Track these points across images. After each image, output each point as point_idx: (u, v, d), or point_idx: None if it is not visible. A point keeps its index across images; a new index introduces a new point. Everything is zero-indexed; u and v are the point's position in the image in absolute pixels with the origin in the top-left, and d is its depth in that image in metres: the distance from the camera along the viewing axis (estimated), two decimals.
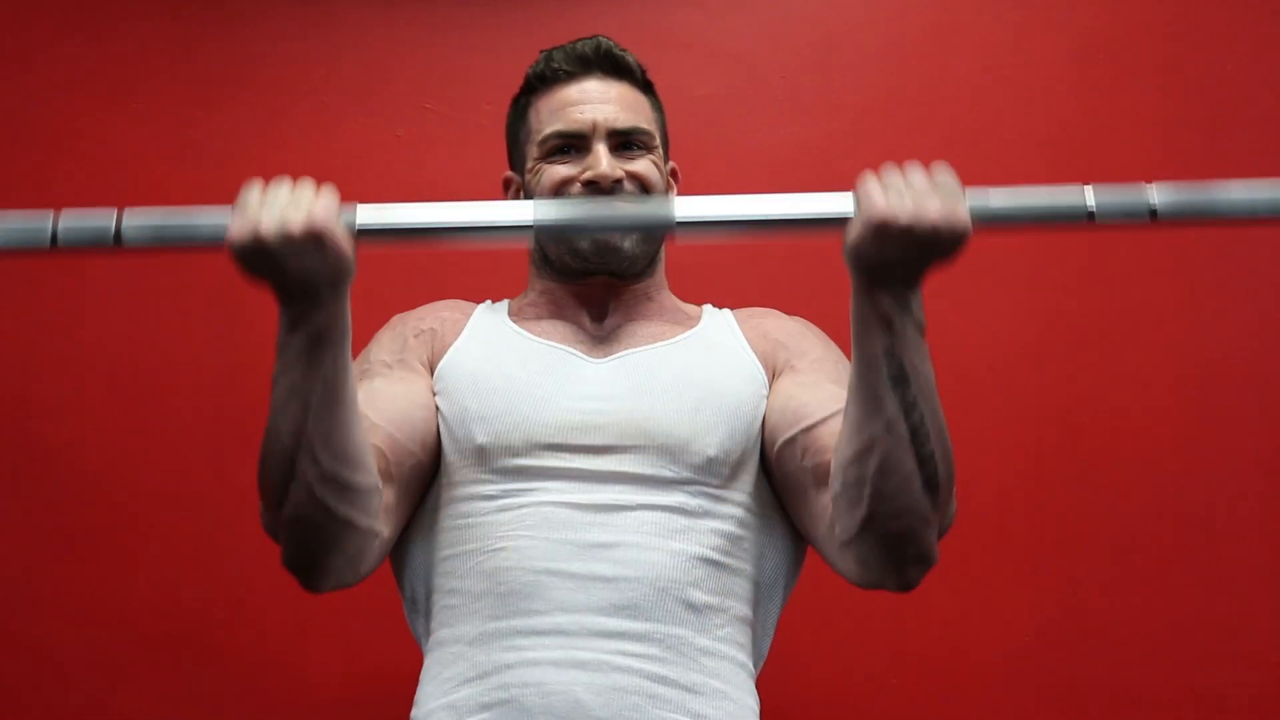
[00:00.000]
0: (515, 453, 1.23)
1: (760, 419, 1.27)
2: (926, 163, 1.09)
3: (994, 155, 1.97)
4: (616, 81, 1.35)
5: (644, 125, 1.35)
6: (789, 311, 1.42)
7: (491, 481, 1.23)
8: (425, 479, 1.27)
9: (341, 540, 1.14)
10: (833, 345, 1.35)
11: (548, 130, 1.33)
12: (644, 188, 1.33)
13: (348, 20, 2.10)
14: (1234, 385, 1.95)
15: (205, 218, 1.09)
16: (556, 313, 1.36)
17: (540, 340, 1.32)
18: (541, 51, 1.38)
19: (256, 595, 1.94)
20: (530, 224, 1.13)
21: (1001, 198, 1.08)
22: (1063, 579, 1.92)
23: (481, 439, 1.23)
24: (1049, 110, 2.01)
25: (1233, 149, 1.99)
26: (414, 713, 1.23)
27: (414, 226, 1.11)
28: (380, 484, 1.17)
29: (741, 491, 1.25)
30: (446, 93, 2.08)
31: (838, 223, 1.08)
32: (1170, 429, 1.94)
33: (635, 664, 1.17)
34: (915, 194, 1.04)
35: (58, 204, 1.90)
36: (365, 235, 1.10)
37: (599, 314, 1.36)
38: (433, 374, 1.31)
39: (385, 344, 1.33)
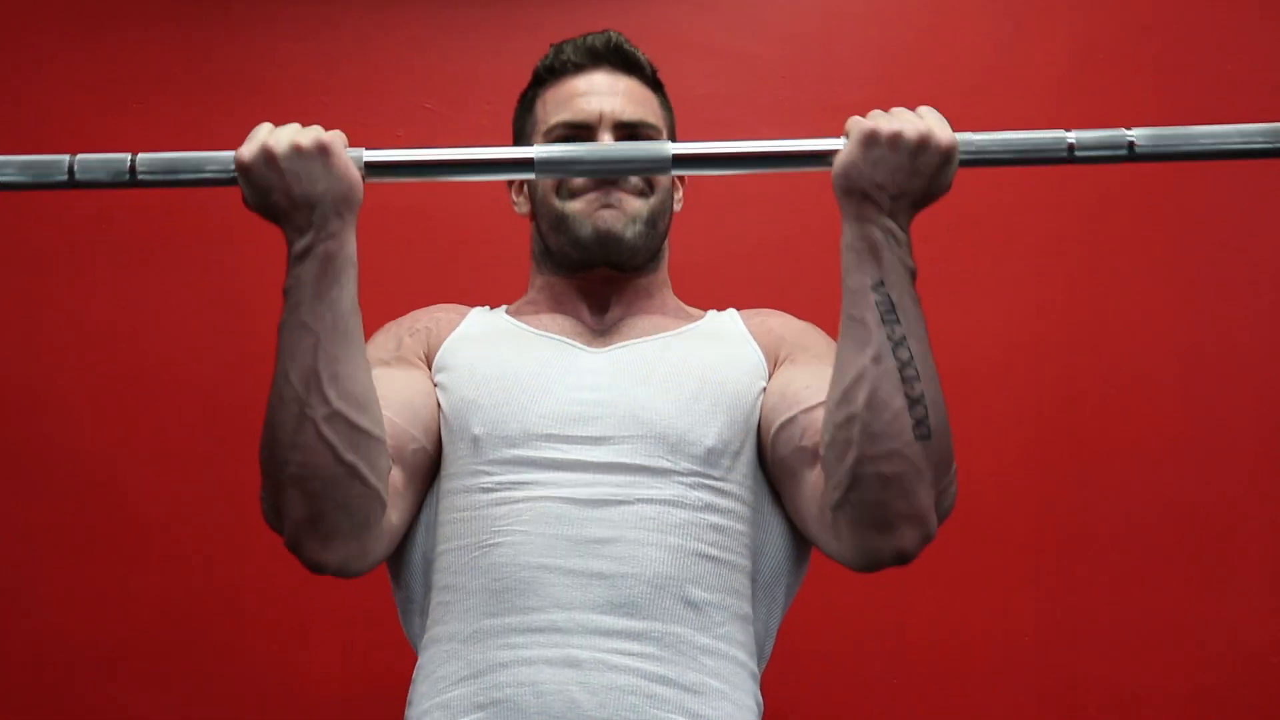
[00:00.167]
0: (512, 443, 1.21)
1: (759, 411, 1.25)
2: None
3: None
4: (625, 76, 1.34)
5: (651, 120, 1.34)
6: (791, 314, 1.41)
7: (488, 473, 1.21)
8: (430, 469, 1.25)
9: (349, 494, 1.11)
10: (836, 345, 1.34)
11: (554, 120, 1.32)
12: (649, 183, 1.32)
13: (349, 22, 2.10)
14: (1234, 384, 1.95)
15: (217, 156, 1.15)
16: (556, 306, 1.35)
17: (538, 331, 1.32)
18: (551, 45, 1.37)
19: (256, 595, 1.94)
20: (531, 159, 1.17)
21: (986, 136, 1.14)
22: (1063, 579, 1.92)
23: (478, 429, 1.22)
24: (1049, 110, 2.01)
25: None
26: (408, 712, 1.21)
27: (419, 161, 1.16)
28: (387, 441, 1.15)
29: (740, 485, 1.23)
30: (447, 93, 2.08)
31: (829, 157, 1.12)
32: (1170, 428, 1.94)
33: (633, 663, 1.14)
34: (902, 118, 1.11)
35: (59, 203, 1.91)
36: (373, 170, 1.14)
37: (599, 307, 1.35)
38: (430, 368, 1.30)
39: (380, 344, 1.32)
